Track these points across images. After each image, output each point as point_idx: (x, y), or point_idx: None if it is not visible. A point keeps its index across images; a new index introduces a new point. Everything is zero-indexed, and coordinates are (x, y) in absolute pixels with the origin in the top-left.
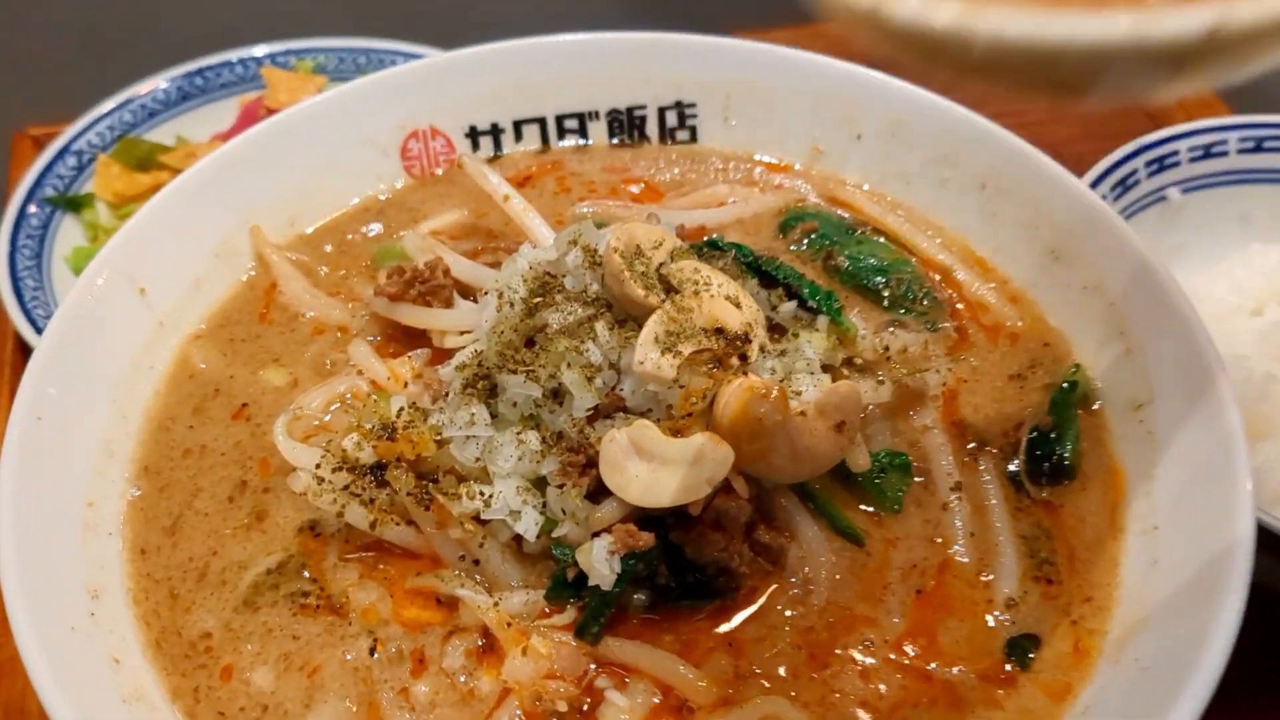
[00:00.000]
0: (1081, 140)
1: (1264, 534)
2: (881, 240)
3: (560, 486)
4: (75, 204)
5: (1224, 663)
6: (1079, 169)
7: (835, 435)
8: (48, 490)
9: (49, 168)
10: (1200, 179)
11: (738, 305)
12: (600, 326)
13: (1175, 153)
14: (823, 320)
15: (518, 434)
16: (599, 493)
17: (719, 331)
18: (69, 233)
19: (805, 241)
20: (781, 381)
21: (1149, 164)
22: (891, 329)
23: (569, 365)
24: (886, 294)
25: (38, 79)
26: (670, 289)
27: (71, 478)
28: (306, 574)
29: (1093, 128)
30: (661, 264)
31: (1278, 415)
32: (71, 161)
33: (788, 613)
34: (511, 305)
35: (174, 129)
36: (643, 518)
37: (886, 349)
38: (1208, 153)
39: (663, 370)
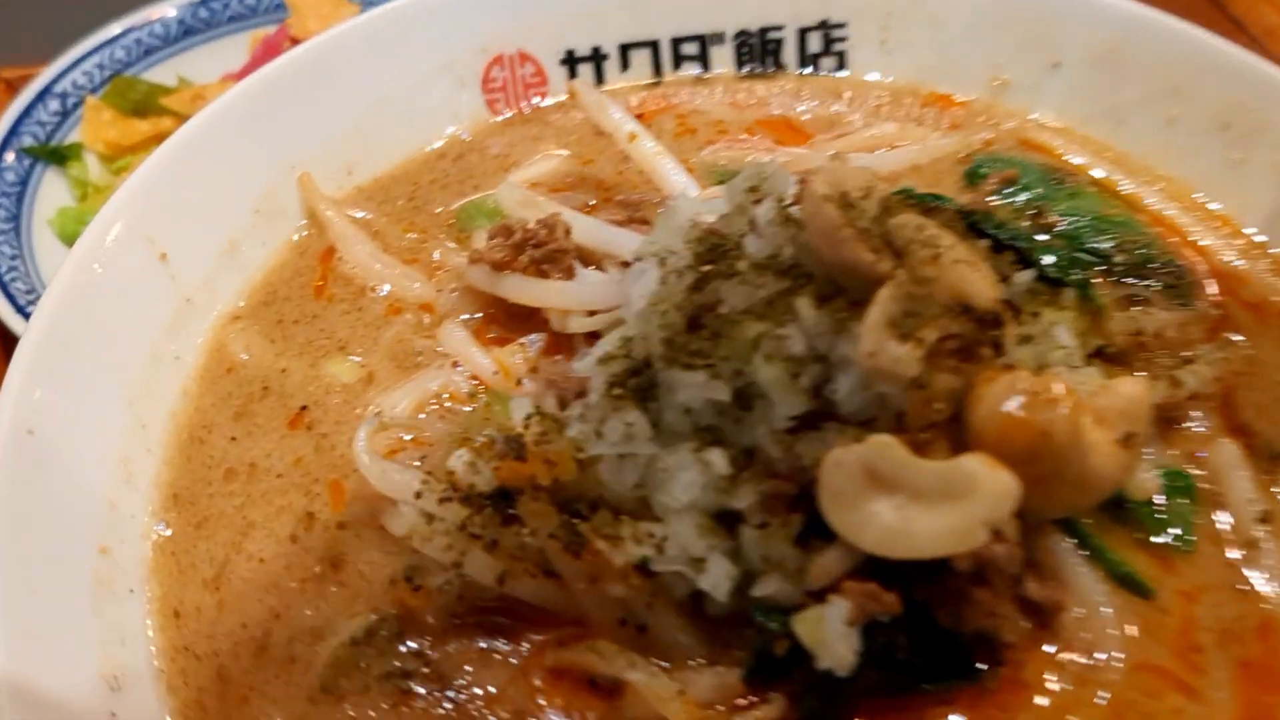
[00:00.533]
0: None
1: None
2: (1097, 194)
3: (761, 526)
4: (60, 156)
5: None
6: None
7: (1121, 452)
8: (45, 534)
9: (26, 113)
10: None
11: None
12: (803, 304)
13: None
14: (1069, 295)
15: (695, 451)
16: (810, 535)
17: (965, 310)
18: (53, 191)
19: (1002, 196)
20: None
21: None
22: (1139, 308)
23: (766, 357)
24: (1119, 261)
25: (8, 11)
26: (896, 252)
27: (77, 514)
28: (408, 645)
29: None
30: (875, 219)
31: None
32: (54, 106)
33: (1072, 696)
34: (679, 275)
35: (175, 68)
36: (873, 569)
37: (1139, 333)
38: None
39: (903, 364)
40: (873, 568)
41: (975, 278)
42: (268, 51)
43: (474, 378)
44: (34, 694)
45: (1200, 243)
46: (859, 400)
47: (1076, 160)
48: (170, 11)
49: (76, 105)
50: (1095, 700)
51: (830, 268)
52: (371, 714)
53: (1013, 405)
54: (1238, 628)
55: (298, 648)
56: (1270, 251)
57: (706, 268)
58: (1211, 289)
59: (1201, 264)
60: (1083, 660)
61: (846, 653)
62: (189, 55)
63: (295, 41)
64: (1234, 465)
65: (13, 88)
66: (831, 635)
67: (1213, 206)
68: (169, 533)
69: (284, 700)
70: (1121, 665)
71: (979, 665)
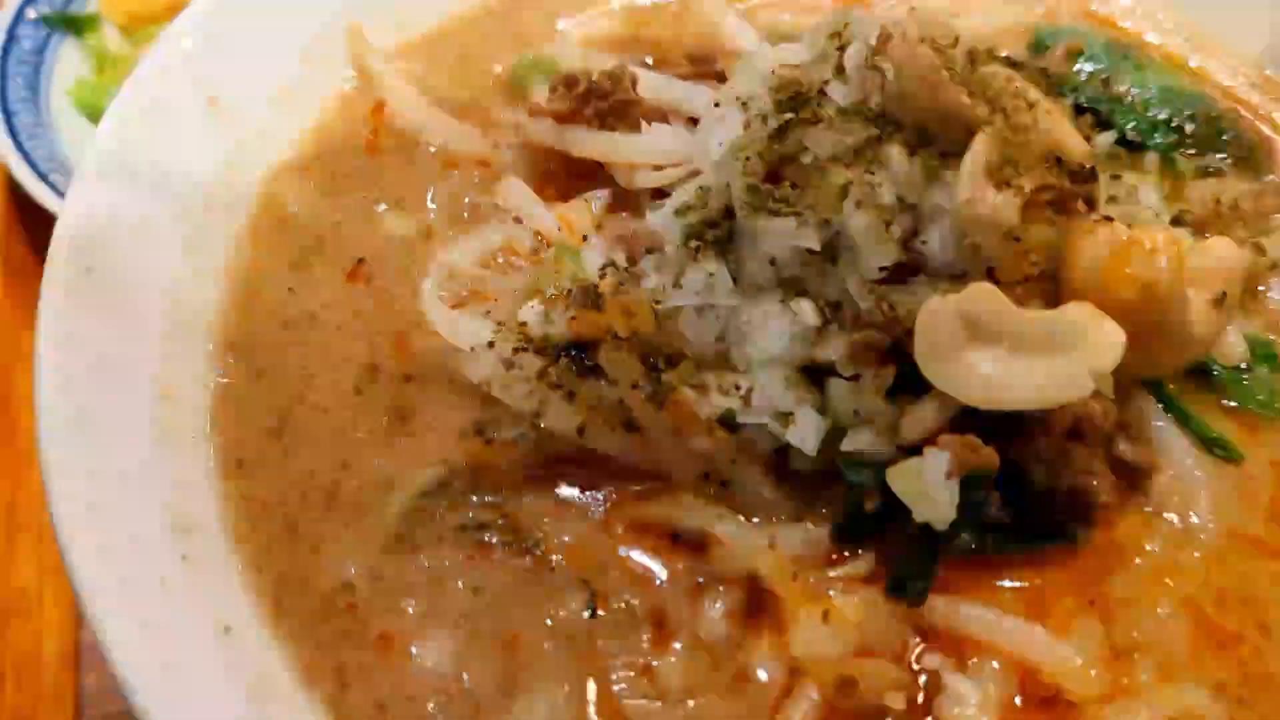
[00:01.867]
0: None
1: None
2: (1163, 65)
3: (854, 378)
4: (77, 25)
5: None
6: None
7: (1214, 313)
8: (105, 378)
9: None
10: None
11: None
12: (894, 151)
13: None
14: (1151, 159)
15: (782, 302)
16: (902, 388)
17: (1059, 163)
18: (71, 61)
19: (1073, 66)
20: None
21: None
22: (1211, 177)
23: (858, 205)
24: (1190, 133)
25: None
26: (988, 102)
27: (136, 359)
28: (483, 497)
29: None
30: (964, 67)
31: None
32: None
33: (1166, 559)
34: (763, 121)
35: None
36: (966, 426)
37: (1218, 201)
38: None
39: (1001, 211)
40: (964, 425)
41: (1069, 130)
42: None
43: (537, 234)
44: (107, 537)
45: (1271, 114)
46: (951, 252)
47: (1146, 34)
48: None
49: None
50: (1190, 563)
51: (924, 114)
52: (447, 564)
53: (1111, 255)
54: None
55: (368, 498)
56: None
57: (789, 116)
58: None
59: (1273, 138)
60: (1176, 523)
61: (946, 506)
62: None
63: None
64: None
65: None
66: (931, 487)
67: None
68: (227, 381)
69: (357, 550)
70: (1214, 529)
71: (1070, 525)
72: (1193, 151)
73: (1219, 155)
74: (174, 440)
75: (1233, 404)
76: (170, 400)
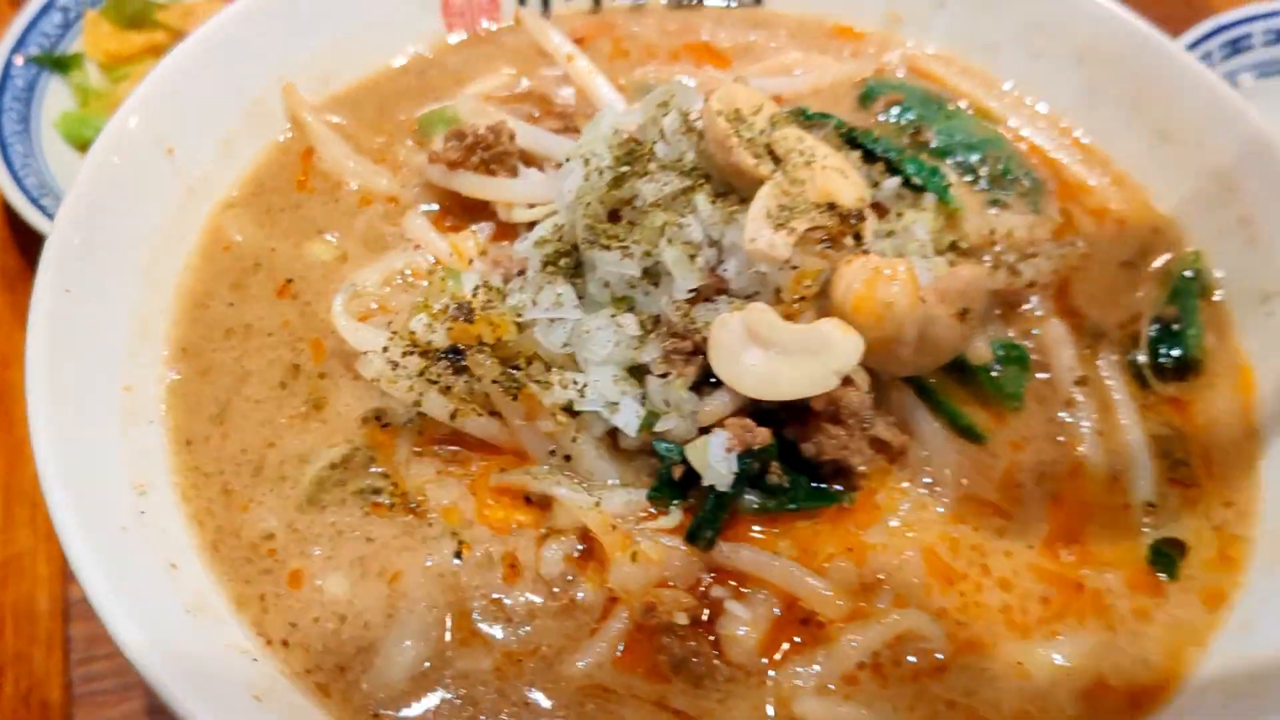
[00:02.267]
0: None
1: None
2: (971, 115)
3: (664, 376)
4: (63, 64)
5: None
6: None
7: (958, 324)
8: (82, 373)
9: (34, 24)
10: (1274, 64)
11: (847, 178)
12: (700, 199)
13: (1249, 35)
14: (929, 199)
15: (612, 316)
16: (703, 384)
17: (832, 207)
18: (57, 96)
19: (890, 115)
20: None
21: (1223, 45)
22: (994, 211)
23: (669, 241)
24: (984, 173)
25: None
26: (776, 159)
27: (106, 358)
28: (376, 468)
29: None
30: (763, 131)
31: None
32: (57, 19)
33: (914, 517)
34: (600, 173)
35: None
36: (754, 412)
37: (992, 231)
38: None
39: (777, 248)
40: (753, 411)
41: (842, 181)
42: None
43: (434, 258)
44: (81, 494)
45: (1056, 158)
46: (745, 278)
47: (961, 86)
48: None
49: (77, 18)
50: (932, 519)
51: (722, 170)
52: (347, 519)
53: (862, 281)
54: (1052, 470)
55: (288, 469)
56: (1112, 168)
57: (624, 168)
58: (1060, 198)
59: (1054, 177)
60: (924, 491)
61: (725, 473)
62: None
63: None
64: (1061, 341)
65: (16, 2)
66: (714, 459)
67: (1075, 130)
68: (179, 378)
69: (277, 509)
70: (954, 494)
71: (838, 489)
72: (984, 187)
73: (1005, 191)
74: (135, 423)
75: (986, 396)
76: (132, 392)
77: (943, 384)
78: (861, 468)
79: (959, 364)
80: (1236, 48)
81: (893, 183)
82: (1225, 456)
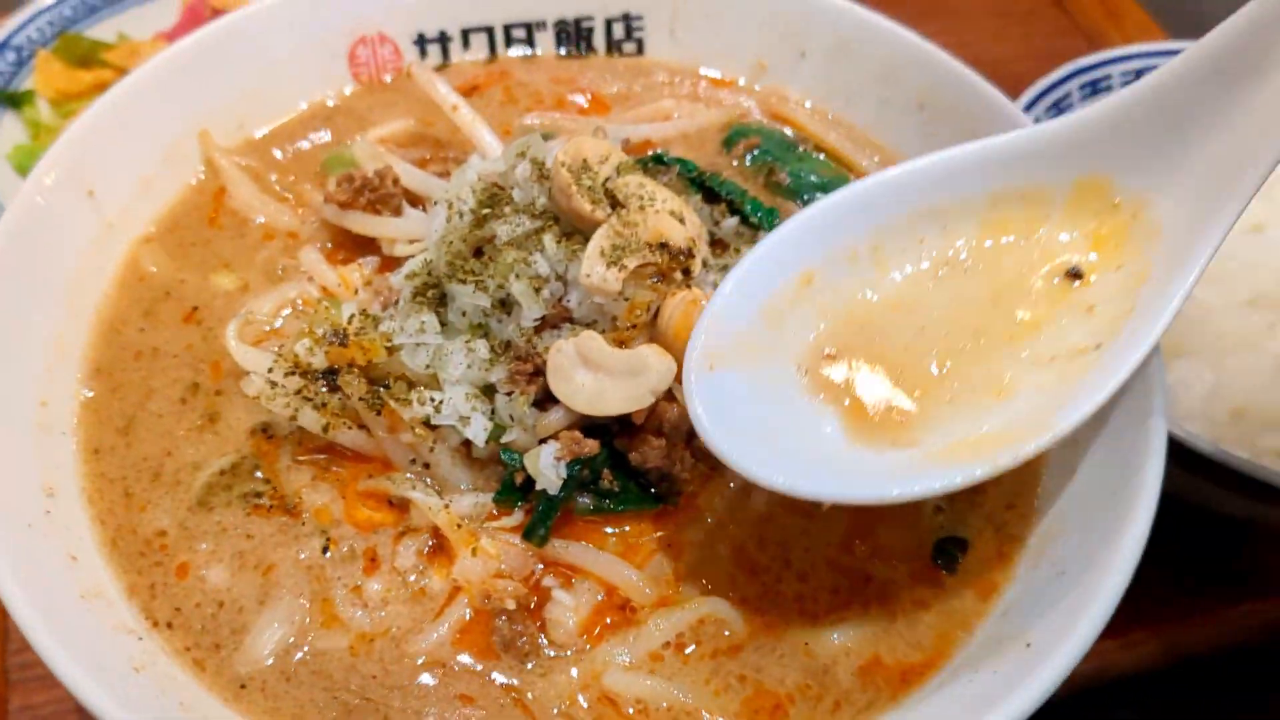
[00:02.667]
0: (1021, 60)
1: (1175, 447)
2: (822, 158)
3: (509, 394)
4: (16, 100)
5: (1134, 565)
6: (1016, 89)
7: None
8: (2, 389)
9: None
10: None
11: (681, 220)
12: (548, 239)
13: (1108, 77)
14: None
15: (467, 343)
16: (546, 400)
17: (663, 246)
18: (10, 130)
19: (749, 157)
20: None
21: (1083, 87)
22: None
23: (517, 276)
24: None
25: None
26: (616, 203)
27: (25, 377)
28: (259, 475)
29: (1033, 46)
30: (608, 179)
31: (1192, 334)
32: (11, 57)
33: (728, 517)
34: (461, 216)
35: (115, 26)
36: (589, 425)
37: None
38: (1139, 77)
39: (608, 283)
40: (587, 426)
41: (672, 223)
42: (192, 14)
43: (323, 288)
44: None
45: None
46: (585, 308)
47: (815, 130)
48: None
49: (30, 57)
50: (745, 519)
51: (566, 213)
52: (231, 519)
53: (683, 312)
54: None
55: (182, 475)
56: None
57: (486, 210)
58: None
59: None
60: (741, 493)
61: (554, 478)
62: (127, 14)
63: (215, 9)
64: None
65: None
66: (546, 467)
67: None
68: (91, 395)
69: (171, 510)
70: (768, 498)
71: (662, 494)
72: None
73: None
74: (49, 434)
75: None
76: (47, 406)
77: None
78: (683, 474)
79: None
80: (1095, 89)
81: (732, 221)
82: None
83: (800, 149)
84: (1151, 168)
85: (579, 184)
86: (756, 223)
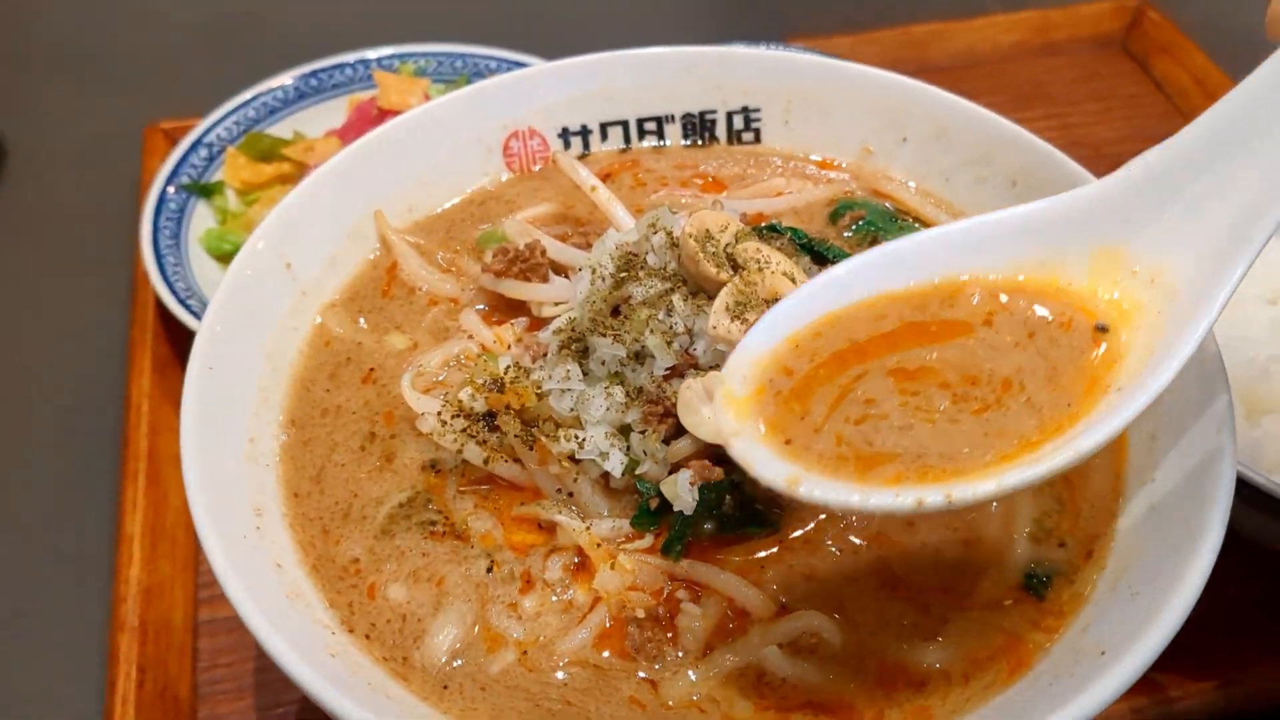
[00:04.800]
0: (1124, 141)
1: (1252, 491)
2: (919, 228)
3: (642, 432)
4: (207, 191)
5: (1200, 586)
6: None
7: None
8: (219, 425)
9: (184, 159)
10: None
11: (794, 280)
12: (677, 299)
13: None
14: None
15: (606, 389)
16: (674, 438)
17: (778, 301)
18: (201, 217)
19: (854, 228)
20: None
21: None
22: None
23: (651, 331)
24: None
25: (165, 75)
26: (737, 266)
27: (236, 416)
28: (432, 506)
29: (1134, 127)
30: (728, 245)
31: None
32: (203, 153)
33: (836, 544)
34: (602, 280)
35: (291, 124)
36: (712, 456)
37: None
38: None
39: (732, 334)
40: (711, 455)
41: (786, 282)
42: (360, 114)
43: (481, 345)
44: (217, 510)
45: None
46: (710, 356)
47: (914, 204)
48: (288, 80)
49: (219, 153)
50: (847, 544)
51: (693, 276)
52: (410, 543)
53: None
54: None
55: (368, 510)
56: None
57: (623, 274)
58: None
59: None
60: (847, 523)
61: (690, 500)
62: (302, 114)
63: (382, 110)
64: None
65: (169, 137)
66: (681, 490)
67: None
68: (287, 439)
69: (360, 540)
70: (869, 531)
71: (772, 519)
72: None
73: None
74: (255, 465)
75: None
76: (254, 443)
77: None
78: (791, 502)
79: None
80: None
81: None
82: (1093, 511)
83: (901, 221)
84: (1165, 235)
85: (704, 251)
86: None
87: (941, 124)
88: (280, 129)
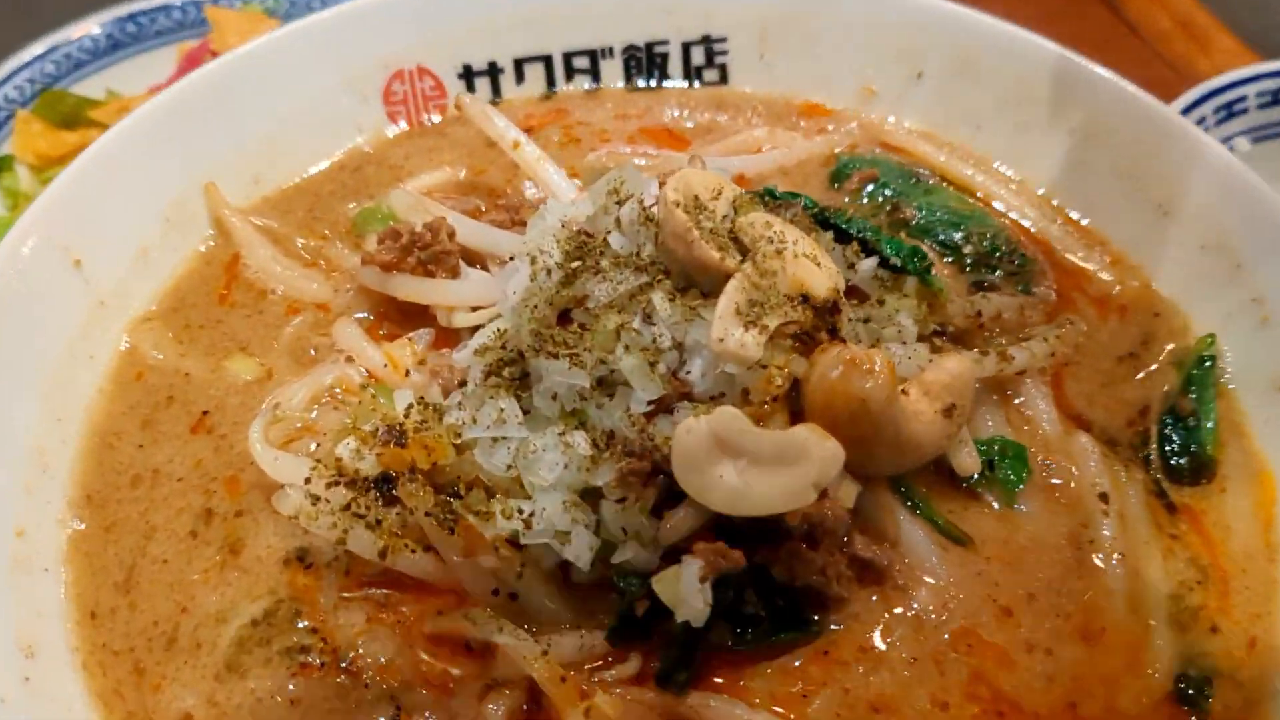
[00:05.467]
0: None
1: None
2: (951, 191)
3: (620, 500)
4: None
5: None
6: None
7: (943, 421)
8: None
9: None
10: (1269, 127)
11: (818, 264)
12: (658, 297)
13: (1243, 98)
14: (910, 282)
15: (560, 435)
16: (666, 505)
17: (805, 299)
18: None
19: (865, 192)
20: None
21: (1217, 110)
22: (981, 293)
23: (625, 347)
24: (968, 251)
25: None
26: (743, 248)
27: None
28: (303, 622)
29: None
30: (727, 217)
31: None
32: None
33: (905, 647)
34: (546, 273)
35: (104, 81)
36: (716, 530)
37: (979, 314)
38: (1276, 99)
39: (748, 348)
40: (718, 531)
41: (815, 271)
42: (191, 65)
43: (367, 372)
44: None
45: (1045, 237)
46: (710, 380)
47: (938, 160)
48: (95, 27)
49: (7, 118)
50: (927, 652)
51: (683, 264)
52: (270, 685)
53: (835, 374)
54: (1061, 585)
55: (203, 633)
56: (1110, 247)
57: (575, 264)
58: (1052, 278)
59: (1044, 255)
60: (916, 615)
61: (701, 605)
62: (117, 69)
63: (216, 56)
64: (1086, 451)
65: None
66: (687, 590)
67: (1066, 206)
68: (82, 528)
69: (193, 682)
70: (954, 627)
71: (813, 619)
72: (970, 267)
73: (993, 270)
74: (27, 572)
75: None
76: (25, 538)
77: (924, 483)
78: (841, 592)
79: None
80: (1231, 112)
81: (869, 264)
82: (1244, 578)
83: (924, 181)
84: None
85: (699, 226)
86: (900, 265)
87: (967, 53)
88: (88, 87)
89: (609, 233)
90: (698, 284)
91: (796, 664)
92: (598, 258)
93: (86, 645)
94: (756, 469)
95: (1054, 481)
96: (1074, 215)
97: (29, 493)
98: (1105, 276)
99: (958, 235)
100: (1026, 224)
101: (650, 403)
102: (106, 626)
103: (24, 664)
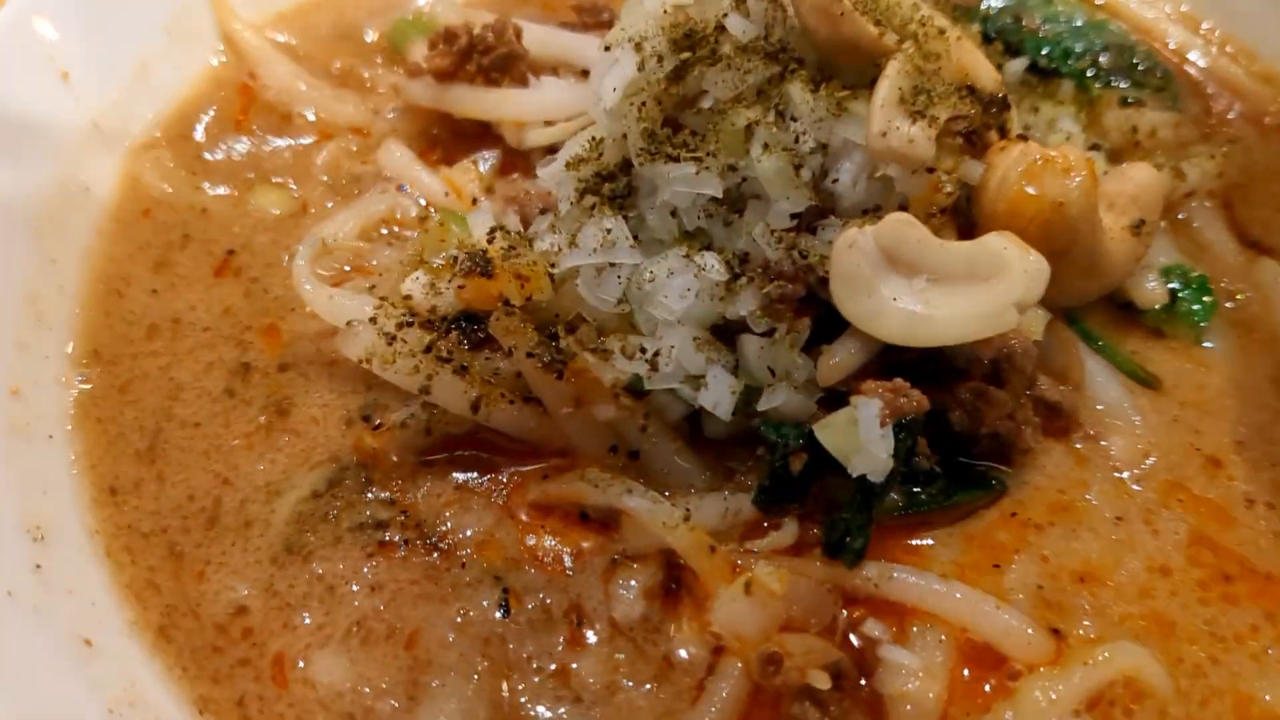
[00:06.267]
0: None
1: None
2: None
3: (767, 334)
4: None
5: None
6: None
7: (1131, 240)
8: None
9: None
10: None
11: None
12: (795, 89)
13: None
14: (1066, 85)
15: (684, 256)
16: (815, 340)
17: (971, 91)
18: None
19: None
20: None
21: None
22: (1129, 107)
23: (766, 146)
24: (1105, 64)
25: None
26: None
27: None
28: (376, 493)
29: None
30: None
31: None
32: None
33: (1106, 506)
34: (660, 60)
35: None
36: (882, 368)
37: (1134, 129)
38: None
39: (918, 144)
40: (879, 370)
41: (980, 58)
42: None
43: (423, 201)
44: None
45: (1185, 52)
46: (862, 189)
47: None
48: None
49: None
50: (1135, 510)
51: (826, 47)
52: (342, 568)
53: (1022, 175)
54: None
55: (252, 509)
56: (1258, 62)
57: (686, 55)
58: (1200, 94)
59: (1185, 70)
60: (1113, 467)
61: (883, 455)
62: None
63: None
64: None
65: None
66: (866, 437)
67: (1199, 13)
68: (89, 388)
69: (244, 568)
70: (1149, 471)
71: (996, 473)
72: (1109, 81)
73: (1135, 85)
74: (28, 440)
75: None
76: (22, 398)
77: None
78: (1029, 444)
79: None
80: None
81: (1018, 64)
82: None
83: None
84: None
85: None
86: (1053, 67)
87: None
88: None
89: (725, 16)
90: (840, 73)
91: (982, 528)
92: (714, 45)
93: (108, 527)
94: (940, 288)
95: (1243, 314)
96: (1214, 28)
97: (21, 348)
98: (1262, 93)
99: (1090, 47)
100: (1166, 38)
101: (793, 217)
102: (131, 504)
103: (32, 549)
